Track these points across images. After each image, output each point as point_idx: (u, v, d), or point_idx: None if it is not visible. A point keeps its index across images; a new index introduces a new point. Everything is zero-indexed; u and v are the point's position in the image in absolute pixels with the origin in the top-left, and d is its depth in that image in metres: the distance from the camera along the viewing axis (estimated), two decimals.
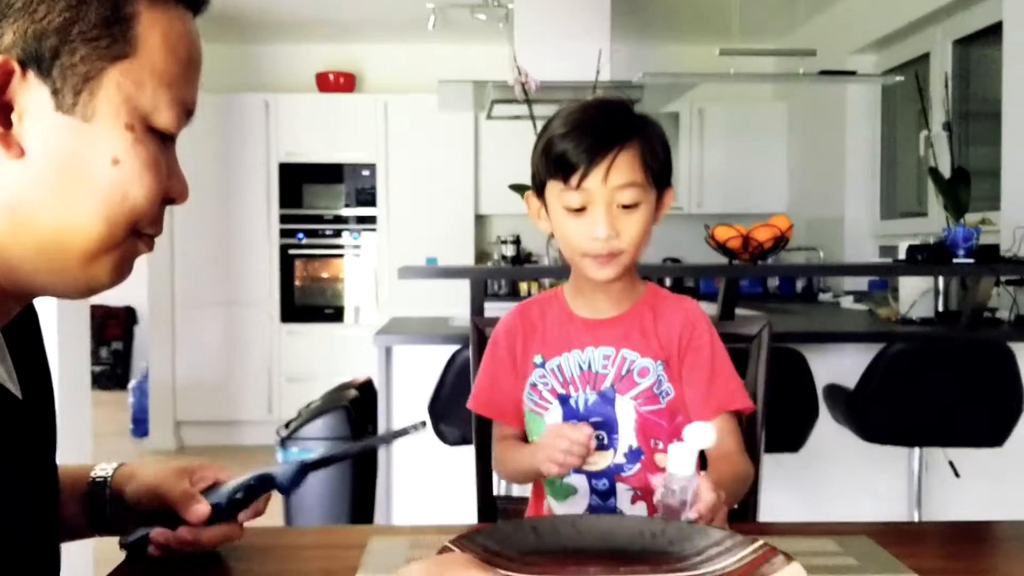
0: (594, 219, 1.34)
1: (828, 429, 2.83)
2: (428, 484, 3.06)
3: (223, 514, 1.04)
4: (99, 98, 0.75)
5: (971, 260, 3.01)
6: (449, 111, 5.57)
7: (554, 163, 1.37)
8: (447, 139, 6.00)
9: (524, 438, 1.51)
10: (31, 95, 0.73)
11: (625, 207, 1.35)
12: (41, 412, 0.90)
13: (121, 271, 0.81)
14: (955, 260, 3.02)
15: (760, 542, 0.95)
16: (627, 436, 1.41)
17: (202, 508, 1.04)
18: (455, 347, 2.64)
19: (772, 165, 6.23)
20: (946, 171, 3.36)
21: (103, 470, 1.07)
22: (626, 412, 1.41)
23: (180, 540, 1.04)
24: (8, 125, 0.73)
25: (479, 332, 1.63)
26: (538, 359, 1.45)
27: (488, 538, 0.98)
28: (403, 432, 1.05)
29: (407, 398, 2.99)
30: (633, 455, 1.39)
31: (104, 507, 1.06)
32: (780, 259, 4.36)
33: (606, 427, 1.41)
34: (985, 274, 2.93)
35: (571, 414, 1.43)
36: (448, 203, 6.02)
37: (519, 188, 3.07)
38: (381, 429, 3.04)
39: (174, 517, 1.04)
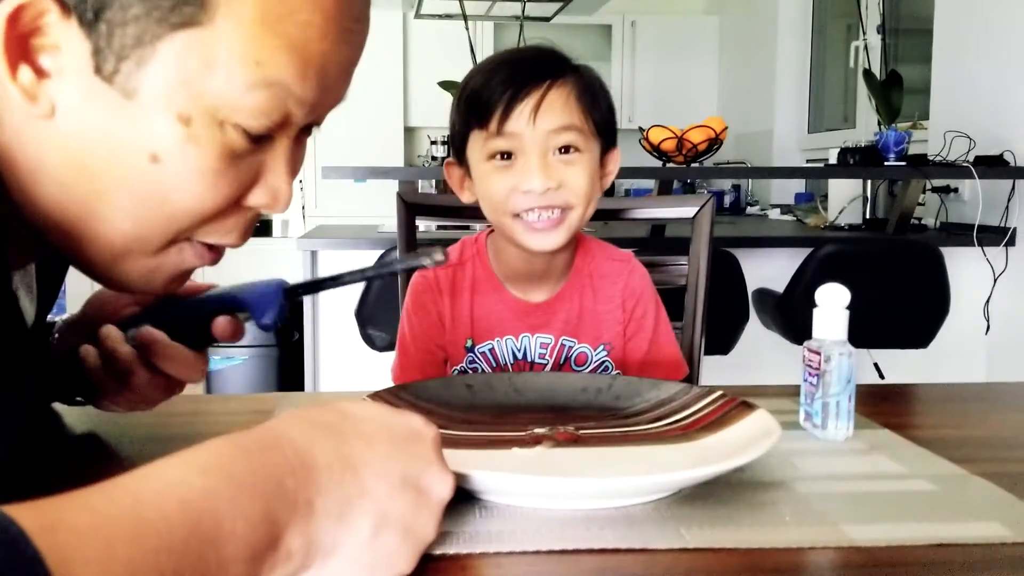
0: (525, 167, 1.06)
1: (757, 332, 2.84)
2: (355, 389, 2.99)
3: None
4: (147, 72, 0.56)
5: (902, 163, 3.02)
6: (374, 7, 5.36)
7: (468, 106, 1.10)
8: (373, 40, 5.76)
9: None
10: (74, 47, 0.56)
11: (564, 151, 1.08)
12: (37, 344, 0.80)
13: (158, 281, 0.65)
14: (886, 163, 3.03)
15: (719, 392, 0.88)
16: None
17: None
18: (381, 251, 2.57)
19: (703, 79, 6.18)
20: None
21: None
22: None
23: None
24: (40, 75, 0.56)
25: (405, 206, 1.50)
26: (468, 343, 1.24)
27: (415, 395, 0.90)
28: (417, 262, 0.84)
29: (334, 303, 2.91)
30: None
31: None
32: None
33: None
34: (917, 176, 2.93)
35: None
36: (376, 114, 5.85)
37: (448, 85, 2.96)
38: (307, 335, 2.96)
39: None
